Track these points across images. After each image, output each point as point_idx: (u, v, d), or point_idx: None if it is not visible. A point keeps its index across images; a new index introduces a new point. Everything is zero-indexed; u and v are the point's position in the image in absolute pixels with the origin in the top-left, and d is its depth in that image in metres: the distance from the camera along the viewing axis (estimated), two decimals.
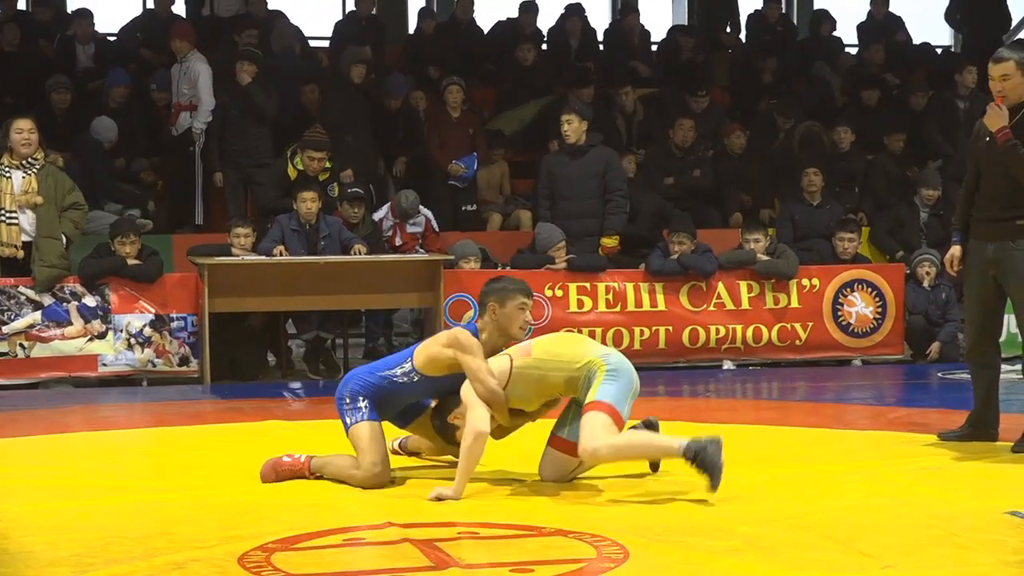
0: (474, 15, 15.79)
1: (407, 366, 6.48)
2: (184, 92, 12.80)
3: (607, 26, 16.97)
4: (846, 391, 10.56)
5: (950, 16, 17.27)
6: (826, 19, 16.69)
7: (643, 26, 16.45)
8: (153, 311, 10.69)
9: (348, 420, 6.51)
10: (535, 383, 6.29)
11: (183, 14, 15.37)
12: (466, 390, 6.24)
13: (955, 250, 7.41)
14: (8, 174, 10.44)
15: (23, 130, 10.43)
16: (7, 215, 10.42)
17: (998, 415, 7.47)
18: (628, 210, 11.75)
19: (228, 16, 15.02)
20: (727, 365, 11.56)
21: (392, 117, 13.35)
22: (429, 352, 6.44)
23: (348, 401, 6.54)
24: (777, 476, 6.69)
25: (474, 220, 13.01)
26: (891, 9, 16.91)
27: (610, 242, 11.52)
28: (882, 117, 14.39)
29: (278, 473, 6.54)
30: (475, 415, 6.16)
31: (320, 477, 6.57)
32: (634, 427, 6.40)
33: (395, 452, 6.95)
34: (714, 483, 5.91)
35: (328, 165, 11.83)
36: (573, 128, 11.41)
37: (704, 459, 5.91)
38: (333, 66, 14.31)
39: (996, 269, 7.21)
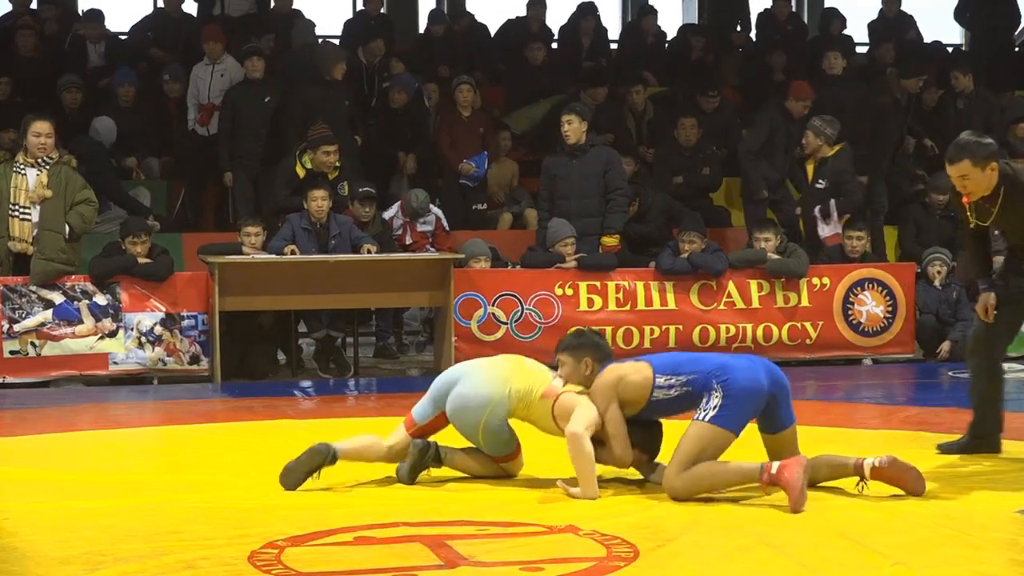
0: (473, 15, 15.80)
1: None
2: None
3: (622, 26, 16.92)
4: (856, 390, 10.55)
5: (960, 14, 17.22)
6: (836, 17, 16.62)
7: (659, 27, 16.45)
8: (164, 310, 10.70)
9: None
10: None
11: (194, 13, 15.38)
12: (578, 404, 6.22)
13: (990, 297, 7.05)
14: (23, 171, 10.47)
15: (40, 133, 10.45)
16: (20, 211, 10.44)
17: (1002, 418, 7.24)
18: (628, 209, 11.74)
19: (238, 15, 15.02)
20: None
21: (397, 115, 13.33)
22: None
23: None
24: None
25: (484, 219, 13.01)
26: (903, 7, 16.87)
27: (611, 241, 11.50)
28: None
29: None
30: (575, 417, 6.14)
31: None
32: None
33: None
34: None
35: (337, 163, 11.83)
36: (573, 128, 11.39)
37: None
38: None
39: None
